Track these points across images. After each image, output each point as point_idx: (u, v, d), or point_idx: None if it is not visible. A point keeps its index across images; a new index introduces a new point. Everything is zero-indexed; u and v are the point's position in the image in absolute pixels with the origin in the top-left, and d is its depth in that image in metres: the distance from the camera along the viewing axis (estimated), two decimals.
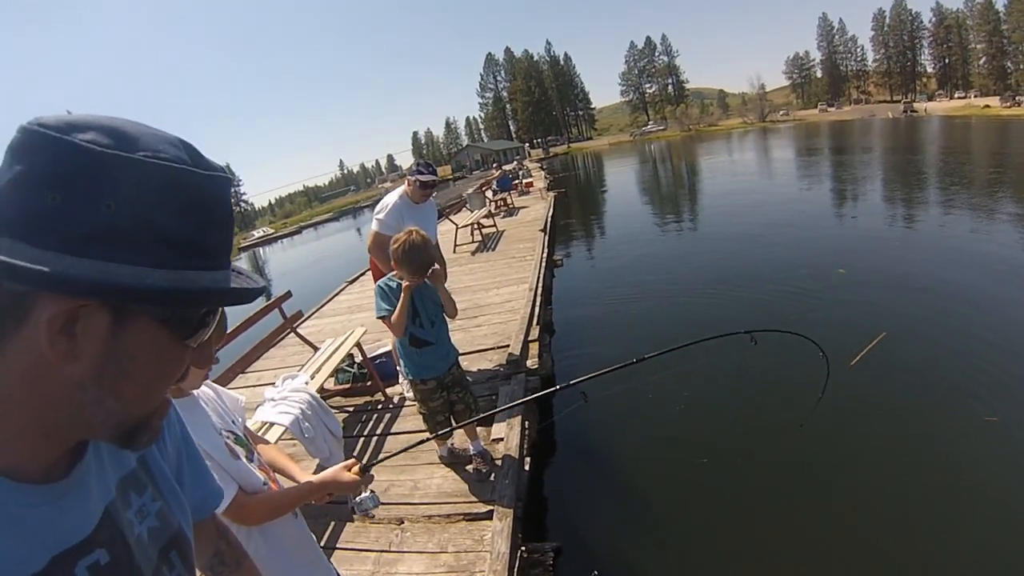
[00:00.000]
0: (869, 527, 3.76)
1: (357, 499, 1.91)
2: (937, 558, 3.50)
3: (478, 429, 4.19)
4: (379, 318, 3.46)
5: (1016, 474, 4.03)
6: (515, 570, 3.13)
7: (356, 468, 1.85)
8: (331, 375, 5.17)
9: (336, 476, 1.82)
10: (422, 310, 3.49)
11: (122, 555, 0.74)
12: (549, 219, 15.12)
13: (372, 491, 1.93)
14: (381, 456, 3.35)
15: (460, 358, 5.65)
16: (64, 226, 0.55)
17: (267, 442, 2.21)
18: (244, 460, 1.69)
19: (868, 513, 3.89)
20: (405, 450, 2.23)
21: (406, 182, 5.15)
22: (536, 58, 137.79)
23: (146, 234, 0.59)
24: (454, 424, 3.67)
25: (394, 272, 3.49)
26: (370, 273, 5.67)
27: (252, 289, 0.70)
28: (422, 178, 5.00)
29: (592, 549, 3.97)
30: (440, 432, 3.48)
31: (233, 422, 1.81)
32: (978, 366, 5.47)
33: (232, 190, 0.70)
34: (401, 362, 3.73)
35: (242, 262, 44.26)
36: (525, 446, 4.27)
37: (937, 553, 3.54)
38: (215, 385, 1.87)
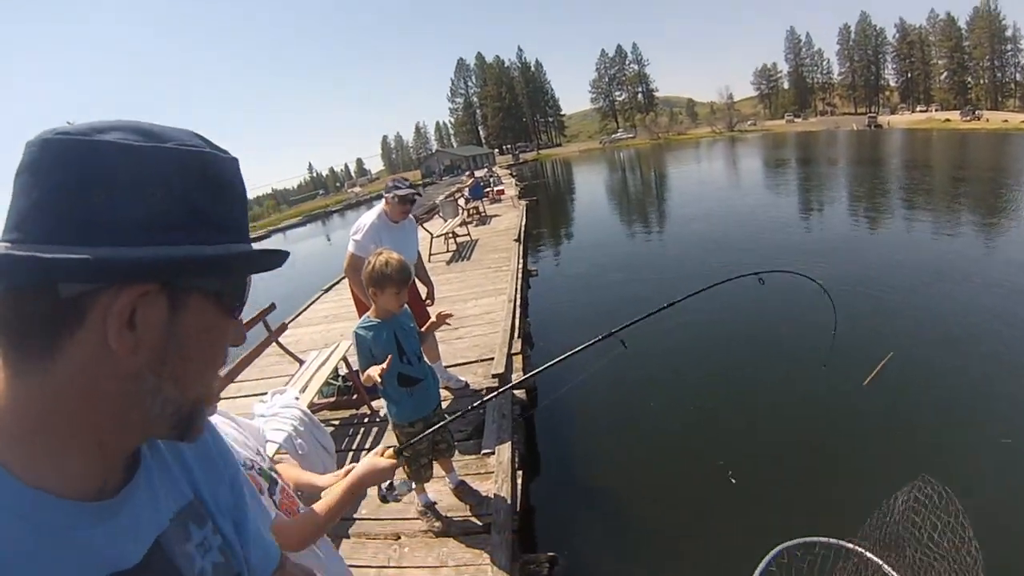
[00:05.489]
0: None
1: (389, 484, 1.83)
2: None
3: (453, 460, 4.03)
4: (361, 371, 3.24)
5: None
6: None
7: (389, 452, 1.77)
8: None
9: (372, 465, 1.72)
10: (406, 345, 3.26)
11: None
12: (522, 229, 15.25)
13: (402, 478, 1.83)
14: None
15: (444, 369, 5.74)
16: (114, 221, 0.57)
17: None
18: (266, 495, 1.62)
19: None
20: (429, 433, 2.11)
21: (383, 200, 5.00)
22: (507, 64, 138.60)
23: (190, 217, 0.62)
24: (433, 467, 3.62)
25: (370, 312, 3.29)
26: (346, 281, 5.47)
27: (285, 252, 0.73)
28: (400, 192, 4.83)
29: (587, 557, 4.04)
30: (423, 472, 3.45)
31: (257, 452, 1.75)
32: (990, 384, 5.51)
33: None
34: (384, 404, 3.47)
35: None
36: (516, 460, 4.32)
37: None
38: (230, 414, 1.81)
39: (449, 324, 3.54)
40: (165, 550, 0.72)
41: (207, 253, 0.63)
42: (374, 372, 2.96)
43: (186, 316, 0.64)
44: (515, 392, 5.24)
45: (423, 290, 5.28)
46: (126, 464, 0.71)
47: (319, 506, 1.63)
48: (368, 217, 4.95)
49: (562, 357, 2.06)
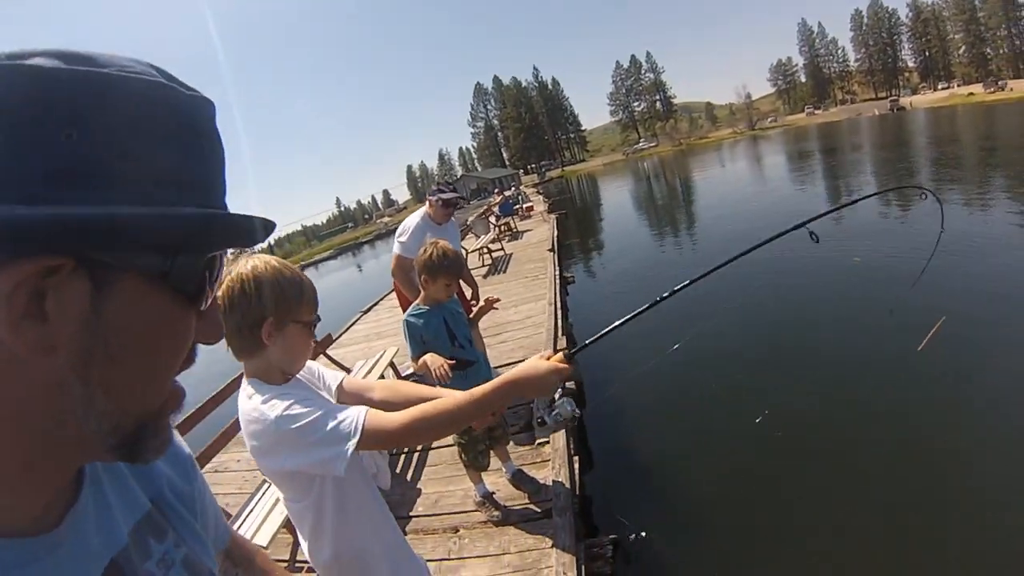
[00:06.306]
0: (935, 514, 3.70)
1: (550, 402, 1.51)
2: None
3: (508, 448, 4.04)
4: (413, 359, 3.11)
5: None
6: (581, 563, 3.14)
7: (558, 356, 1.47)
8: None
9: (534, 366, 1.44)
10: (457, 330, 3.28)
11: None
12: (555, 239, 15.28)
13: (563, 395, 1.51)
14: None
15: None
16: (10, 170, 0.42)
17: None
18: None
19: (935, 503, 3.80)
20: None
21: (427, 203, 5.13)
22: (524, 84, 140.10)
23: (121, 165, 0.46)
24: (491, 453, 3.68)
25: (419, 300, 3.29)
26: (385, 300, 5.54)
27: (261, 218, 0.57)
28: (444, 196, 5.01)
29: (647, 538, 3.98)
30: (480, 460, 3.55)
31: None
32: None
33: None
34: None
35: None
36: (571, 446, 4.29)
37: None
38: (312, 363, 1.69)
39: (496, 308, 3.54)
40: (123, 570, 0.61)
41: (140, 214, 0.47)
42: (432, 360, 2.94)
43: (118, 303, 0.48)
44: (563, 386, 5.18)
45: (467, 291, 5.32)
46: (69, 483, 0.59)
47: (456, 396, 1.43)
48: (412, 220, 5.11)
49: (610, 328, 1.47)
